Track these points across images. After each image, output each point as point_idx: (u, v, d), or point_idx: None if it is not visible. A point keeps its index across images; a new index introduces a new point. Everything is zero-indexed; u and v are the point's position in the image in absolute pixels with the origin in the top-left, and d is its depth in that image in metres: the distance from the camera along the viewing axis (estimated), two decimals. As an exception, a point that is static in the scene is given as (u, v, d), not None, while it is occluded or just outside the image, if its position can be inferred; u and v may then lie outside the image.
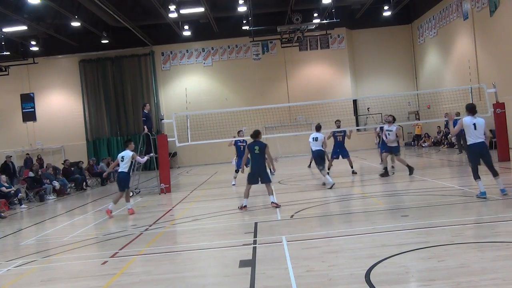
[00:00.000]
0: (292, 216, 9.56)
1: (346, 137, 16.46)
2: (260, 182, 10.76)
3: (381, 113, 28.88)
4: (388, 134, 14.73)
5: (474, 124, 9.46)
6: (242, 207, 10.76)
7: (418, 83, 31.59)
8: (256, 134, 10.91)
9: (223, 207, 11.84)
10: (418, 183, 12.98)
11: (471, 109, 9.63)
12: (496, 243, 6.27)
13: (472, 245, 6.25)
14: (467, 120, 9.54)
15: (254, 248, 7.10)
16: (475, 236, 6.69)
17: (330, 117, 20.84)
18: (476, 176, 9.59)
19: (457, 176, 14.26)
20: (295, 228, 8.45)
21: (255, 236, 8.05)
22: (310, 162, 20.74)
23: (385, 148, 15.21)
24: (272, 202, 10.68)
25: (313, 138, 13.99)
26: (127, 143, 12.26)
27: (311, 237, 7.61)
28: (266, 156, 10.78)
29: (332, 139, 16.25)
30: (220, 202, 12.69)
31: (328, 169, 15.57)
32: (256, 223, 9.02)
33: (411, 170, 14.43)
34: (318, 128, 14.17)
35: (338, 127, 16.71)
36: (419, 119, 29.53)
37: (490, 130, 20.38)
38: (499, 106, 16.64)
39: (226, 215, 10.77)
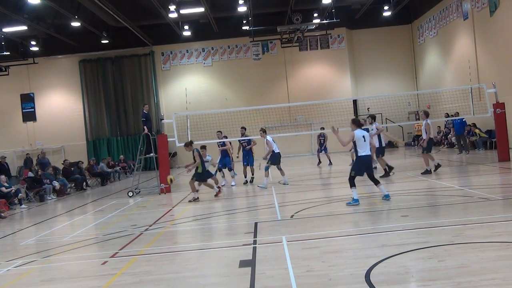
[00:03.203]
0: (292, 216, 9.56)
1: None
2: (206, 179, 13.39)
3: (381, 113, 28.90)
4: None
5: (364, 137, 10.13)
6: (195, 199, 12.84)
7: (418, 83, 31.60)
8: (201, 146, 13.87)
9: (223, 207, 11.85)
10: (418, 183, 12.98)
11: (358, 123, 10.37)
12: (496, 243, 6.27)
13: (472, 245, 6.24)
14: (358, 133, 10.15)
15: (254, 248, 7.09)
16: (475, 236, 6.68)
17: (330, 117, 20.86)
18: (353, 184, 10.20)
19: (457, 176, 14.26)
20: (295, 228, 8.44)
21: (255, 236, 8.04)
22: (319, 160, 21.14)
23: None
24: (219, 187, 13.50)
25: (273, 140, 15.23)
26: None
27: (311, 237, 7.60)
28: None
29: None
30: (220, 202, 12.68)
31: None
32: (256, 223, 9.02)
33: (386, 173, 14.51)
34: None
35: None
36: (419, 119, 29.50)
37: (490, 130, 20.77)
38: (499, 106, 16.64)
39: (226, 215, 10.78)
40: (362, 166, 10.24)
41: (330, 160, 20.91)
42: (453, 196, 10.33)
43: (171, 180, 14.46)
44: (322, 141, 21.28)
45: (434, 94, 26.07)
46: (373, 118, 15.14)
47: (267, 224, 9.07)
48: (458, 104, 21.04)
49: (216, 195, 13.31)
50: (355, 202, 10.14)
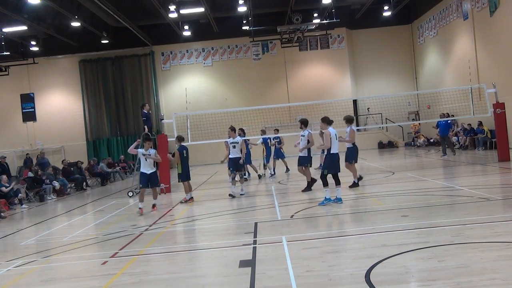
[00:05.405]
0: (292, 216, 9.56)
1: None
2: (185, 180, 12.83)
3: (381, 113, 28.92)
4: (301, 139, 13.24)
5: (336, 135, 10.29)
6: (189, 200, 12.80)
7: (418, 83, 31.60)
8: (181, 139, 13.14)
9: (223, 207, 11.84)
10: (418, 183, 12.97)
11: (330, 121, 10.46)
12: (496, 243, 6.27)
13: (472, 245, 6.25)
14: (332, 130, 10.27)
15: (254, 248, 7.09)
16: (475, 236, 6.68)
17: (330, 117, 20.83)
18: (326, 183, 10.25)
19: (457, 176, 14.26)
20: (295, 228, 8.45)
21: (255, 236, 8.04)
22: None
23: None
24: (191, 198, 12.89)
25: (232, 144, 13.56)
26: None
27: (311, 237, 7.61)
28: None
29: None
30: (220, 202, 12.68)
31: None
32: (256, 223, 9.02)
33: (309, 186, 12.99)
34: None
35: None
36: (419, 119, 29.54)
37: (490, 131, 20.77)
38: (499, 106, 16.65)
39: (226, 215, 10.78)
40: (333, 164, 10.35)
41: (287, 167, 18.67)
42: (453, 196, 10.33)
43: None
44: (277, 143, 18.31)
45: (434, 94, 26.07)
46: (303, 123, 13.32)
47: (267, 224, 9.07)
48: (458, 104, 21.04)
49: (185, 201, 12.88)
50: (328, 201, 10.23)
